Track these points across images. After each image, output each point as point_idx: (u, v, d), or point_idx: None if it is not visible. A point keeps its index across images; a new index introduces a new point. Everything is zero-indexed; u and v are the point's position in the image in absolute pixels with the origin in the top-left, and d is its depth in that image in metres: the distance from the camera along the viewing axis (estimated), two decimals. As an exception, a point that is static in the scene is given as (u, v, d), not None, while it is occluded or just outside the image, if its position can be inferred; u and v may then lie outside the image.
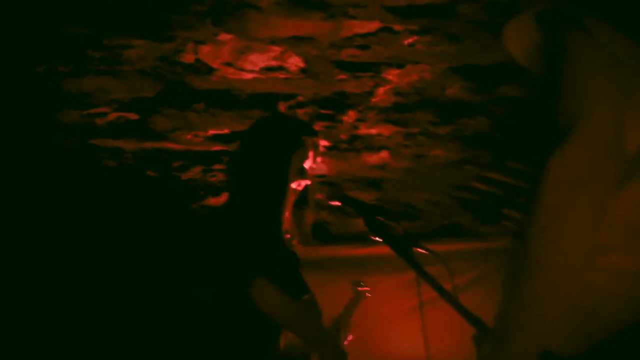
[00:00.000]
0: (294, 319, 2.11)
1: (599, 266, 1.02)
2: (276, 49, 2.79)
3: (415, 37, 2.66)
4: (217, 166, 3.73)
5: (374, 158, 3.56)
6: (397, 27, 2.60)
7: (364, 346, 3.22)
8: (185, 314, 3.85)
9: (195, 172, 3.77)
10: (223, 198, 3.67)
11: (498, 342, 1.02)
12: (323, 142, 3.38)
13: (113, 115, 3.28)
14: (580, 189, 0.97)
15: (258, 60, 2.87)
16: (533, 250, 0.99)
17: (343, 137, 3.40)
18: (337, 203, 2.33)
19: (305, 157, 2.25)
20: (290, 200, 2.25)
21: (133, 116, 3.29)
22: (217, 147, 3.55)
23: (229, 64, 2.90)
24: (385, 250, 2.27)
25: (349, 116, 3.26)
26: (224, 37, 2.70)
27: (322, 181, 3.69)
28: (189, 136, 3.45)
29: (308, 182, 2.27)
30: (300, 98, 3.15)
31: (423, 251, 2.24)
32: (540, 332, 0.99)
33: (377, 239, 2.28)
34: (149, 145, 3.52)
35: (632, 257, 1.03)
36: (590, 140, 0.97)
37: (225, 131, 3.40)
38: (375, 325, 3.89)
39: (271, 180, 2.21)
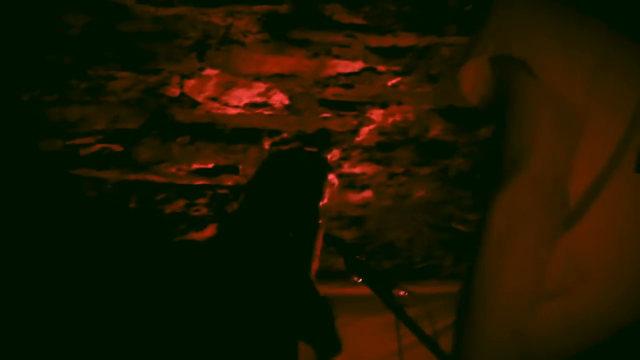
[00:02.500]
0: None
1: (546, 311, 1.03)
2: (261, 85, 2.82)
3: (398, 78, 2.70)
4: (201, 200, 3.72)
5: (356, 197, 3.57)
6: (381, 68, 2.64)
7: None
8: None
9: (178, 205, 3.76)
10: (206, 232, 3.66)
11: None
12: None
13: (97, 147, 3.29)
14: (523, 225, 0.99)
15: (243, 96, 2.89)
16: (478, 282, 1.00)
17: (326, 174, 3.42)
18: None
19: (324, 193, 2.24)
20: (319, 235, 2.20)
21: (117, 147, 3.30)
22: (200, 181, 3.56)
23: (213, 99, 2.92)
24: (365, 290, 2.26)
25: (333, 154, 3.27)
26: (210, 71, 2.73)
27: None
28: (173, 169, 3.46)
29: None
30: (285, 135, 3.17)
31: (403, 292, 2.23)
32: None
33: (357, 279, 2.28)
34: (131, 177, 3.52)
35: (579, 301, 1.03)
36: (532, 178, 0.99)
37: (209, 165, 3.41)
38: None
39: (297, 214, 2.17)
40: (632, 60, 1.08)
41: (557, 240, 1.02)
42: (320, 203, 2.19)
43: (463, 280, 1.04)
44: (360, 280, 2.32)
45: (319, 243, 2.17)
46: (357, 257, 2.37)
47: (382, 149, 3.22)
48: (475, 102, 1.15)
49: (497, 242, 1.00)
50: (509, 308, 1.00)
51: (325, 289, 4.17)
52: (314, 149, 3.20)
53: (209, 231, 3.73)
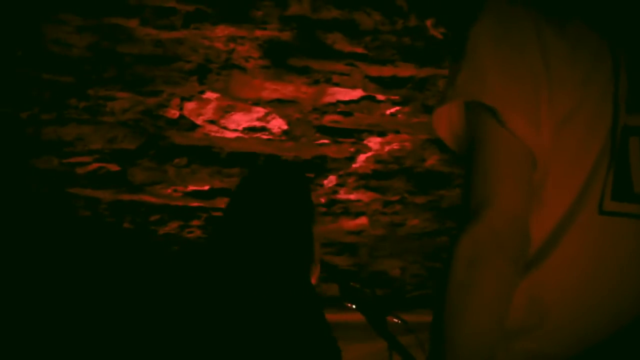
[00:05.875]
0: None
1: (510, 350, 1.06)
2: (260, 110, 2.83)
3: (396, 107, 2.73)
4: (195, 222, 3.73)
5: (351, 224, 3.58)
6: (380, 97, 2.67)
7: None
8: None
9: (172, 227, 3.76)
10: (201, 254, 3.66)
11: None
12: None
13: (93, 166, 3.29)
14: (482, 273, 1.02)
15: (241, 120, 2.91)
16: (440, 332, 1.04)
17: (322, 200, 3.43)
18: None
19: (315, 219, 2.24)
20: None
21: (113, 167, 3.30)
22: (195, 203, 3.56)
23: (212, 122, 2.94)
24: (358, 317, 2.26)
25: (329, 180, 3.29)
26: (209, 95, 2.74)
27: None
28: (168, 190, 3.46)
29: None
30: (282, 159, 3.18)
31: (396, 320, 2.23)
32: None
33: (350, 305, 2.28)
34: (126, 197, 3.52)
35: (541, 340, 1.06)
36: (491, 230, 1.02)
37: (205, 188, 3.42)
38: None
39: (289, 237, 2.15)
40: (600, 101, 1.11)
41: (518, 285, 1.05)
42: (313, 226, 2.21)
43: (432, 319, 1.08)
44: (354, 307, 2.32)
45: (317, 268, 2.18)
46: (351, 283, 2.37)
47: (378, 177, 3.24)
48: (450, 145, 1.18)
49: (458, 287, 1.03)
50: (473, 348, 1.03)
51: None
52: (301, 171, 3.21)
53: (202, 254, 3.72)
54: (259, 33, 2.38)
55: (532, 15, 1.11)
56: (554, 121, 1.07)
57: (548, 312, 1.07)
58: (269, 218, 2.19)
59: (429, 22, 2.22)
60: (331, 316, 4.04)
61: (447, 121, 1.15)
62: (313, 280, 2.20)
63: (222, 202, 3.53)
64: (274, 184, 2.30)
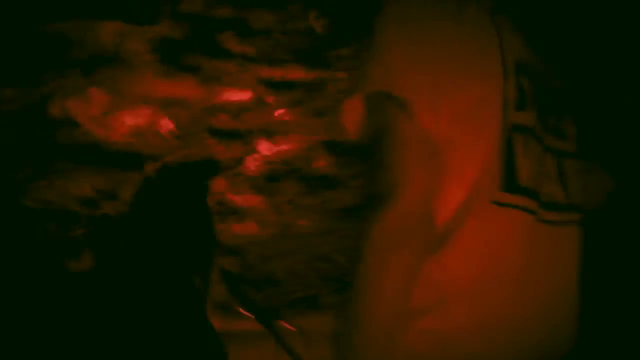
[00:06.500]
0: None
1: (414, 328, 1.13)
2: (148, 109, 2.79)
3: (286, 110, 2.76)
4: (77, 225, 3.61)
5: (240, 226, 3.58)
6: (269, 99, 2.69)
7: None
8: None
9: (52, 230, 3.62)
10: (83, 261, 3.55)
11: None
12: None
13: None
14: (392, 253, 1.09)
15: (128, 119, 2.85)
16: (352, 310, 1.10)
17: (211, 202, 3.41)
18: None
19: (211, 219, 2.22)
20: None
21: (-11, 167, 3.15)
22: (77, 206, 3.45)
23: (96, 120, 2.86)
24: (249, 324, 2.26)
25: (218, 183, 3.27)
26: (95, 92, 2.67)
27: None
28: (50, 192, 3.34)
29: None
30: (169, 160, 3.14)
31: (283, 323, 2.27)
32: None
33: (240, 308, 2.29)
34: (5, 197, 3.36)
35: (439, 319, 1.14)
36: (400, 212, 1.08)
37: (87, 190, 3.32)
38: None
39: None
40: (494, 98, 1.18)
41: (423, 265, 1.12)
42: (211, 230, 2.20)
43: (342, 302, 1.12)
44: (242, 310, 2.34)
45: (214, 272, 2.17)
46: (240, 286, 2.38)
47: (267, 180, 3.25)
48: (355, 137, 1.23)
49: (367, 270, 1.09)
50: (378, 325, 1.10)
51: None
52: (196, 175, 3.19)
53: (87, 260, 3.61)
54: (149, 29, 2.35)
55: (432, 2, 1.18)
56: (453, 114, 1.14)
57: (445, 294, 1.15)
58: (159, 223, 2.16)
59: (311, 16, 2.26)
60: (221, 323, 4.02)
61: (354, 112, 1.19)
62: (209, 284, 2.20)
63: (105, 205, 3.44)
64: (164, 187, 2.28)
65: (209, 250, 2.16)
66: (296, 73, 2.54)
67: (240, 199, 3.40)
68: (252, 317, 2.24)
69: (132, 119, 2.84)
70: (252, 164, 3.15)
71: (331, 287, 3.98)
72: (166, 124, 2.87)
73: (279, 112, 2.75)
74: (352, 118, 1.20)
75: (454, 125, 1.14)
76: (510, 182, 1.16)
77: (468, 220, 1.15)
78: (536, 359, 1.19)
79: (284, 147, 3.03)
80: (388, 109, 1.13)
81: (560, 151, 1.24)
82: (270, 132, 2.92)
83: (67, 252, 3.77)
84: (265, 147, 3.02)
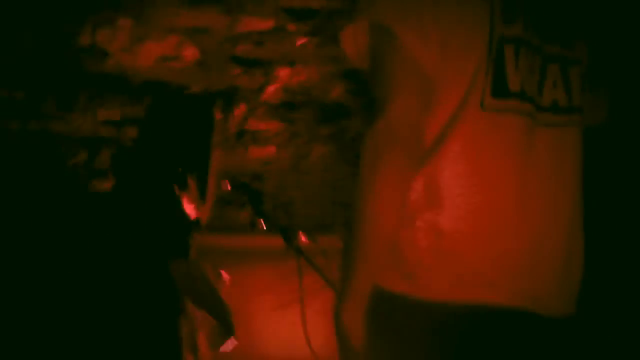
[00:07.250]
0: (205, 298, 2.18)
1: (414, 224, 1.28)
2: (173, 39, 2.88)
3: (306, 39, 2.84)
4: (105, 151, 3.74)
5: (260, 152, 3.69)
6: (291, 27, 2.77)
7: (243, 339, 3.29)
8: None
9: (81, 157, 3.75)
10: (110, 183, 3.69)
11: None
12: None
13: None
14: (385, 152, 1.23)
15: (154, 49, 2.94)
16: (357, 207, 1.25)
17: (233, 130, 3.52)
18: (228, 188, 2.45)
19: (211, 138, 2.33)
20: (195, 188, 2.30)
21: (19, 95, 3.27)
22: (105, 133, 3.57)
23: (125, 50, 2.96)
24: (266, 242, 2.38)
25: (240, 109, 3.38)
26: (122, 22, 2.77)
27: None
28: (79, 120, 3.46)
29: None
30: (193, 89, 3.25)
31: (304, 238, 2.40)
32: (368, 270, 1.25)
33: (261, 222, 2.42)
34: (34, 126, 3.49)
35: (439, 215, 1.28)
36: (389, 122, 1.23)
37: (116, 117, 3.44)
38: (254, 318, 3.95)
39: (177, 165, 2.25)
40: (479, 14, 1.30)
41: (416, 173, 1.27)
42: (211, 148, 2.31)
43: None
44: (265, 226, 2.47)
45: (211, 189, 2.29)
46: (264, 206, 2.51)
47: (286, 108, 3.36)
48: (352, 59, 1.37)
49: (365, 171, 1.24)
50: (381, 221, 1.24)
51: (224, 241, 4.27)
52: (204, 97, 3.29)
53: (111, 181, 3.74)
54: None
55: None
56: (440, 35, 1.26)
57: (442, 195, 1.29)
58: (172, 148, 2.28)
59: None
60: (238, 242, 4.17)
61: (352, 40, 1.34)
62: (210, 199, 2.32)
63: (132, 132, 3.56)
64: (181, 115, 2.39)
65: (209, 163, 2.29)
66: (317, 2, 2.62)
67: (260, 125, 3.51)
68: (276, 234, 2.39)
69: (159, 49, 2.94)
70: (272, 92, 3.25)
71: (346, 213, 4.11)
72: (192, 53, 2.96)
73: (300, 41, 2.83)
74: (350, 45, 1.34)
75: (444, 47, 1.27)
76: (500, 87, 1.29)
77: (457, 128, 1.29)
78: (532, 267, 1.31)
79: (303, 75, 3.11)
80: (382, 38, 1.27)
81: (565, 58, 1.37)
82: (290, 61, 3.00)
83: (94, 174, 3.92)
84: (286, 76, 3.11)
